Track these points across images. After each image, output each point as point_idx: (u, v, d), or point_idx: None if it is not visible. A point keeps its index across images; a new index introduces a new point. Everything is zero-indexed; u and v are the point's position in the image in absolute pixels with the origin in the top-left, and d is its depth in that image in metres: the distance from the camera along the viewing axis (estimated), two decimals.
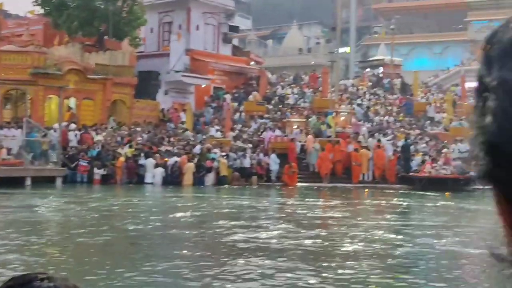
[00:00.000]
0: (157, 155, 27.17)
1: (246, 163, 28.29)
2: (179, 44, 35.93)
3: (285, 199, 22.29)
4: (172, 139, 30.04)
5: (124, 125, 31.08)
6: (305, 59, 53.24)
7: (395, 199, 22.62)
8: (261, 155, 29.07)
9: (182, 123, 32.91)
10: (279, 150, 29.37)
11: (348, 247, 11.08)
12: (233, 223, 14.09)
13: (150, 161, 26.66)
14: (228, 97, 36.88)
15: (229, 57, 40.09)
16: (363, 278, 8.56)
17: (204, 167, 27.05)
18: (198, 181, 26.61)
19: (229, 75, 39.33)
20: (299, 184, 27.84)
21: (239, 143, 29.88)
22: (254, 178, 28.00)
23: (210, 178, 27.08)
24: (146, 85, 34.01)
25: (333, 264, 9.53)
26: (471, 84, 44.17)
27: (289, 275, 8.59)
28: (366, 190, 26.16)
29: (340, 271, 8.97)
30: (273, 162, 28.61)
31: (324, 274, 8.76)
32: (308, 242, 11.50)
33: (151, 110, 33.74)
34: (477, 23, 60.58)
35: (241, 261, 9.55)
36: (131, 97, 32.40)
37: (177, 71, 35.32)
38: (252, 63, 42.20)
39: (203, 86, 36.80)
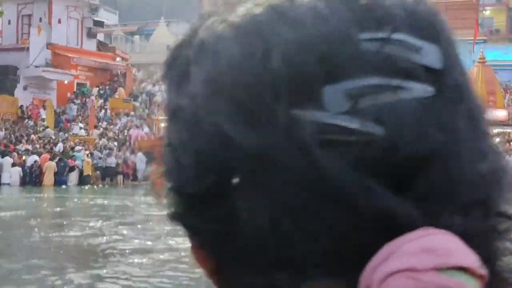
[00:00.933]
0: (14, 153, 25.70)
1: (112, 162, 27.51)
2: (39, 38, 34.21)
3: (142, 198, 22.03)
4: (32, 136, 28.57)
5: None
6: None
7: None
8: (128, 153, 28.42)
9: (43, 120, 31.41)
10: (147, 148, 28.85)
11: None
12: (42, 222, 13.90)
13: (7, 160, 25.16)
14: (95, 92, 35.75)
15: (94, 53, 38.79)
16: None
17: (66, 166, 25.96)
18: (60, 181, 25.47)
19: (93, 71, 38.07)
20: None
21: (104, 141, 29.01)
22: (120, 177, 27.31)
23: (73, 178, 26.05)
24: (3, 80, 32.18)
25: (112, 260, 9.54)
26: None
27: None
28: None
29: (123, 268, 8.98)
30: (140, 161, 28.06)
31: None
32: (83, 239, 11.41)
33: (8, 106, 31.86)
34: None
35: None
36: None
37: (37, 66, 33.64)
38: (118, 59, 41.15)
39: (65, 82, 35.35)
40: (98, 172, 26.85)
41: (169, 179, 0.42)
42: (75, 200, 20.41)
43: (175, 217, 0.42)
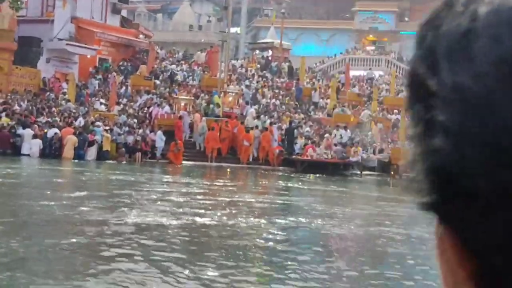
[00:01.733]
0: (35, 125, 25.87)
1: (130, 138, 27.63)
2: (64, 11, 34.28)
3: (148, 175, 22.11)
4: (53, 109, 28.72)
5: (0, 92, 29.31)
6: (195, 36, 52.75)
7: (264, 180, 23.02)
8: (147, 131, 28.51)
9: (64, 93, 31.55)
10: (166, 127, 28.92)
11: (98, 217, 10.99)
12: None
13: (28, 132, 25.34)
14: (116, 66, 35.88)
15: (117, 28, 38.84)
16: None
17: (85, 141, 26.08)
18: (78, 155, 25.63)
19: (116, 47, 38.12)
20: (184, 163, 27.61)
21: (123, 118, 29.11)
22: (138, 154, 27.43)
23: (92, 152, 26.20)
24: (27, 51, 32.28)
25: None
26: (355, 72, 45.74)
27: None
28: (228, 169, 26.24)
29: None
30: (159, 139, 28.14)
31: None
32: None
33: (31, 78, 32.04)
34: (363, 13, 62.72)
35: None
36: (9, 63, 30.56)
37: (61, 39, 33.74)
38: (141, 36, 41.16)
39: (88, 56, 35.46)
40: (123, 149, 26.93)
41: (432, 165, 0.36)
42: (87, 174, 20.51)
43: (434, 208, 0.37)
